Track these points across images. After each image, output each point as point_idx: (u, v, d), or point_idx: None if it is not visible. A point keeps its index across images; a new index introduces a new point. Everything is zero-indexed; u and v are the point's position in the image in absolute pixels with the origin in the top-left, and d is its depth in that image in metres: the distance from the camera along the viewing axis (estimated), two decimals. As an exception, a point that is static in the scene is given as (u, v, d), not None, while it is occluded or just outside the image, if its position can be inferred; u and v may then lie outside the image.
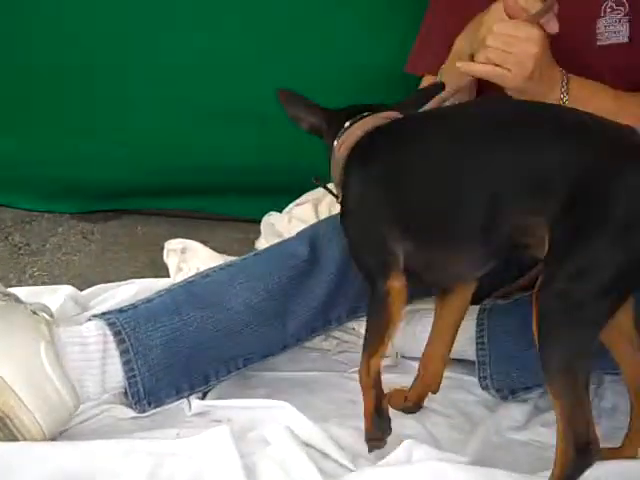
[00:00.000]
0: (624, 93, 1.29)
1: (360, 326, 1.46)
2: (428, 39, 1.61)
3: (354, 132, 1.20)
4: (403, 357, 1.46)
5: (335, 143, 1.22)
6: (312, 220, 1.82)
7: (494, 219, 1.03)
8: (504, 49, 1.17)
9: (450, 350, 1.29)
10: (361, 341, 1.45)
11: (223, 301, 1.29)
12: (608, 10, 1.32)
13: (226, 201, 2.20)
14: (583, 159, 0.98)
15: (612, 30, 1.32)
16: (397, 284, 1.13)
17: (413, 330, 1.45)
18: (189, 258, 1.67)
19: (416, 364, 1.35)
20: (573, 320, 0.95)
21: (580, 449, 0.96)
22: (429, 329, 1.35)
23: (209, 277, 1.33)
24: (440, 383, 1.28)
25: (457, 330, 1.28)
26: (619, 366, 1.13)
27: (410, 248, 1.13)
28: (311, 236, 1.38)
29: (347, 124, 1.22)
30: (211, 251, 1.70)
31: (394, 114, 1.22)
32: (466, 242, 1.09)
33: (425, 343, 1.32)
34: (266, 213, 1.99)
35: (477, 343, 1.35)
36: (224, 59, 1.99)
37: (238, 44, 1.98)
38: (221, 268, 1.36)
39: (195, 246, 1.70)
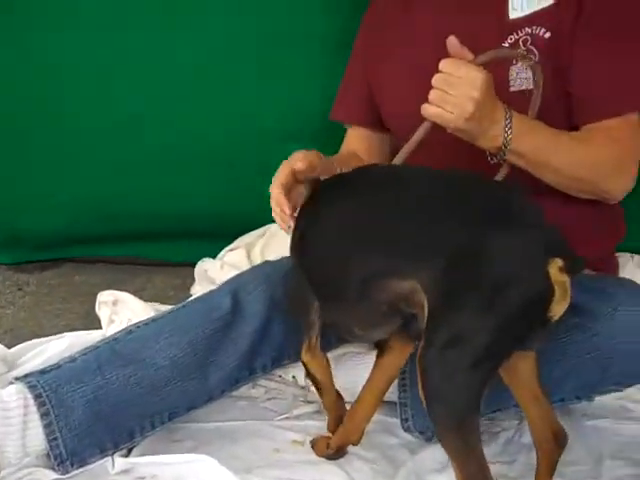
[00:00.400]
0: (562, 132, 1.33)
1: (286, 373, 1.49)
2: (346, 87, 1.65)
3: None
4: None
5: None
6: (245, 266, 1.84)
7: (372, 286, 1.08)
8: (445, 90, 1.20)
9: (379, 404, 1.32)
10: (288, 388, 1.50)
11: (146, 357, 1.30)
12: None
13: (164, 246, 2.21)
14: (458, 227, 1.01)
15: (523, 77, 1.36)
16: (306, 358, 1.26)
17: (345, 374, 1.45)
18: (120, 310, 1.68)
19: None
20: (453, 384, 0.96)
21: None
22: (362, 373, 1.38)
23: (133, 333, 1.35)
24: (362, 435, 1.31)
25: (389, 387, 1.31)
26: (524, 414, 1.16)
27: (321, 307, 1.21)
28: (234, 288, 1.40)
29: None
30: (142, 302, 1.70)
31: None
32: (352, 306, 1.13)
33: (355, 386, 1.35)
34: (204, 257, 2.01)
35: (399, 385, 1.37)
36: (157, 109, 2.02)
37: (174, 97, 2.01)
38: (146, 323, 1.38)
39: (126, 298, 1.71)
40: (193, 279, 1.98)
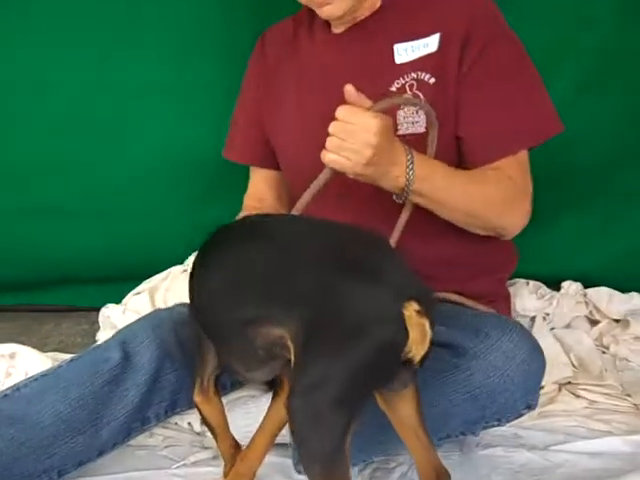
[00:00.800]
0: (460, 171, 1.36)
1: (182, 420, 1.49)
2: (238, 126, 1.67)
3: None
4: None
5: None
6: (148, 310, 1.84)
7: (248, 331, 1.10)
8: (342, 137, 1.22)
9: (271, 446, 1.32)
10: (185, 435, 1.50)
11: (32, 415, 1.29)
12: None
13: (71, 292, 2.21)
14: (318, 276, 1.04)
15: (410, 121, 1.40)
16: (198, 399, 1.27)
17: (239, 418, 1.46)
18: (18, 363, 1.67)
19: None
20: (316, 429, 0.98)
21: None
22: (244, 416, 1.42)
23: (20, 391, 1.33)
24: (254, 478, 1.31)
25: (282, 428, 1.31)
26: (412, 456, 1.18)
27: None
28: (123, 339, 1.40)
29: None
30: (41, 354, 1.69)
31: None
32: (234, 349, 1.16)
33: (250, 430, 1.35)
34: (112, 300, 2.00)
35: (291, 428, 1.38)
36: (54, 154, 2.02)
37: (70, 140, 2.01)
38: (35, 379, 1.36)
39: (23, 350, 1.69)
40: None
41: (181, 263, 1.98)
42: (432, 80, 1.39)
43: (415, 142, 1.34)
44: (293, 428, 1.00)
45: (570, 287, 1.92)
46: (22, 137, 1.99)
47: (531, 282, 1.94)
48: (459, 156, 1.43)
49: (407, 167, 1.26)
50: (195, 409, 1.37)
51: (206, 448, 1.48)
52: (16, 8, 1.89)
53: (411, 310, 1.00)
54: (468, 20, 1.38)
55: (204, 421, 1.33)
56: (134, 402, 1.37)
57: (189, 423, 1.50)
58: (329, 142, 1.23)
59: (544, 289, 1.93)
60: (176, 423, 1.50)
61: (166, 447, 1.49)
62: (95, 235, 2.09)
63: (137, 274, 2.03)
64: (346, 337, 0.98)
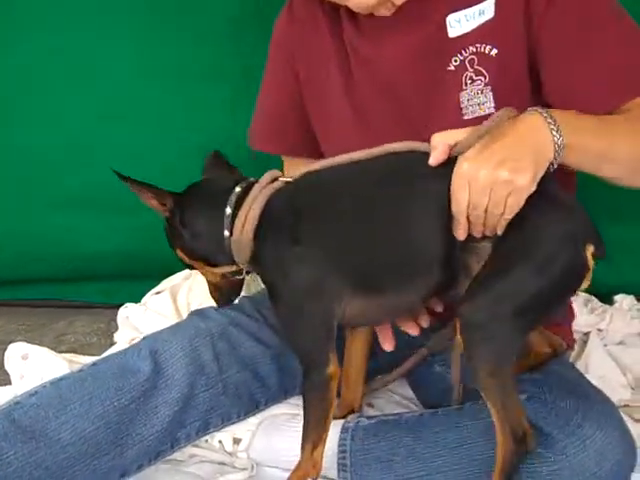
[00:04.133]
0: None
1: (212, 438, 1.36)
2: (261, 112, 1.49)
3: (258, 199, 1.13)
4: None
5: (227, 211, 1.14)
6: (169, 312, 1.75)
7: (449, 246, 1.09)
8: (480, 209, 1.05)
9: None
10: (214, 454, 1.36)
11: (50, 430, 1.15)
12: (468, 82, 1.22)
13: (86, 288, 2.09)
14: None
15: (476, 102, 1.22)
16: (334, 368, 1.12)
17: (269, 440, 1.33)
18: (32, 364, 1.54)
19: (274, 471, 1.29)
20: (494, 333, 1.03)
21: (518, 440, 1.04)
22: (286, 438, 1.29)
23: (36, 396, 1.19)
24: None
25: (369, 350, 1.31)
26: None
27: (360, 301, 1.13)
28: (154, 348, 1.27)
29: (238, 189, 1.16)
30: (56, 355, 1.57)
31: (275, 173, 1.18)
32: (421, 275, 1.12)
33: (282, 453, 1.27)
34: (129, 298, 1.88)
35: (338, 465, 1.24)
36: (75, 144, 1.92)
37: (91, 131, 1.91)
38: (52, 383, 1.22)
39: (38, 351, 1.56)
40: (117, 322, 1.84)
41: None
42: (494, 52, 1.20)
43: None
44: (468, 330, 1.04)
45: (624, 301, 1.78)
46: (38, 128, 1.91)
47: (581, 294, 1.81)
48: None
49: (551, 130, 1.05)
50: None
51: (237, 469, 1.34)
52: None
53: (589, 252, 1.06)
54: None
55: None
56: (165, 421, 1.24)
57: (220, 441, 1.36)
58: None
59: (595, 302, 1.80)
60: (206, 440, 1.36)
61: (194, 464, 1.35)
62: (112, 229, 1.96)
63: (154, 272, 1.89)
64: (539, 264, 1.05)
